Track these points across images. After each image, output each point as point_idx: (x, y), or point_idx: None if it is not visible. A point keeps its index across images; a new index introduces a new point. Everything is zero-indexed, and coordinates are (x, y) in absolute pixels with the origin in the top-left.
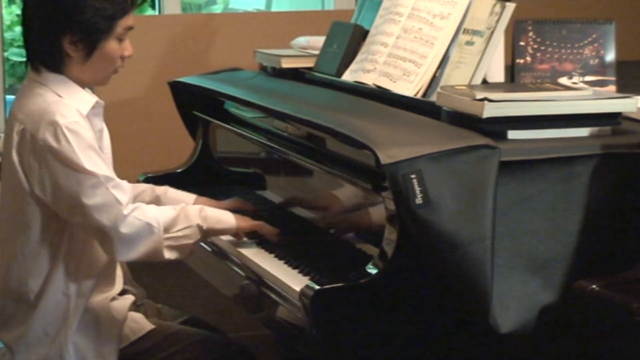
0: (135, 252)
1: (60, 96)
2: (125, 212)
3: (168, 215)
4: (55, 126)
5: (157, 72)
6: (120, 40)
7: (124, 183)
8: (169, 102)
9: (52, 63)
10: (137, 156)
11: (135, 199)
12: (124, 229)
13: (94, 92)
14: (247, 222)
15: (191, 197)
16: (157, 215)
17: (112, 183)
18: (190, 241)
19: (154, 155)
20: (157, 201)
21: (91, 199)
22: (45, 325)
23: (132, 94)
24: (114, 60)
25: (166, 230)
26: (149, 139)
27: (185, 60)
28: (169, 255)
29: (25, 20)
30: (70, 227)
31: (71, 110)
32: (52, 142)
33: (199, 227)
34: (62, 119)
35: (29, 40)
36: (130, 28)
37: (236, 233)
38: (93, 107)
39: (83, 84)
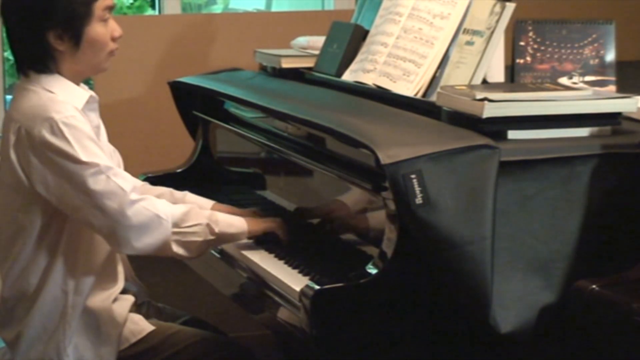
0: (142, 243)
1: (53, 93)
2: (132, 198)
3: (178, 210)
4: (51, 122)
5: (157, 72)
6: (104, 21)
7: (125, 173)
8: (169, 102)
9: (42, 64)
10: (137, 156)
11: None
12: (132, 216)
13: (94, 89)
14: (258, 225)
15: (209, 202)
16: (167, 209)
17: (112, 171)
18: (199, 239)
19: (154, 155)
20: None
21: (95, 187)
22: (44, 322)
23: (132, 94)
24: (105, 43)
25: (175, 224)
26: (149, 139)
27: (185, 60)
28: (176, 249)
29: (8, 29)
30: (70, 225)
31: (66, 106)
32: (49, 138)
33: (209, 227)
34: (58, 114)
35: (16, 47)
36: (110, 7)
37: (250, 237)
38: (87, 102)
39: (81, 77)
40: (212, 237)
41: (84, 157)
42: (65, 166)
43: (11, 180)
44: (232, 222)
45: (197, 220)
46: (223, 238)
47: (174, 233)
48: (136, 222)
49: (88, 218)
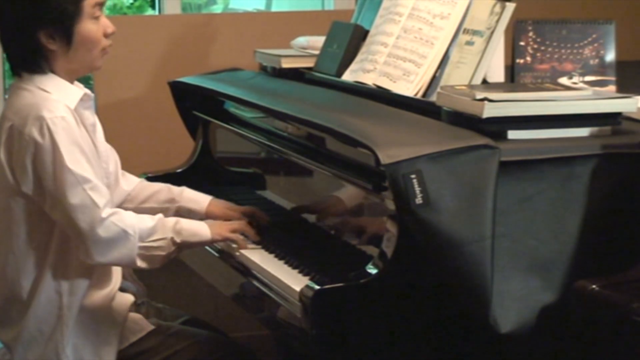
0: (108, 257)
1: (47, 92)
2: (103, 215)
3: (145, 224)
4: (41, 121)
5: (157, 72)
6: (95, 18)
7: (102, 186)
8: (169, 102)
9: (35, 65)
10: (137, 156)
11: (150, 198)
12: (101, 232)
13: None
14: (221, 233)
15: (207, 198)
16: (135, 223)
17: (89, 185)
18: (163, 253)
19: (154, 155)
20: (171, 202)
21: (69, 199)
22: (40, 324)
23: (132, 94)
24: (97, 40)
25: (141, 239)
26: (149, 139)
27: (185, 60)
28: (140, 263)
29: (1, 31)
30: (59, 225)
31: (58, 106)
32: (37, 136)
33: (173, 240)
34: (49, 113)
35: (8, 49)
36: (101, 4)
37: (213, 241)
38: (82, 100)
39: (75, 75)
40: (174, 248)
41: (68, 161)
42: (47, 166)
43: (0, 179)
44: (195, 230)
45: (163, 234)
46: (185, 247)
47: (140, 247)
48: (104, 238)
49: (60, 222)
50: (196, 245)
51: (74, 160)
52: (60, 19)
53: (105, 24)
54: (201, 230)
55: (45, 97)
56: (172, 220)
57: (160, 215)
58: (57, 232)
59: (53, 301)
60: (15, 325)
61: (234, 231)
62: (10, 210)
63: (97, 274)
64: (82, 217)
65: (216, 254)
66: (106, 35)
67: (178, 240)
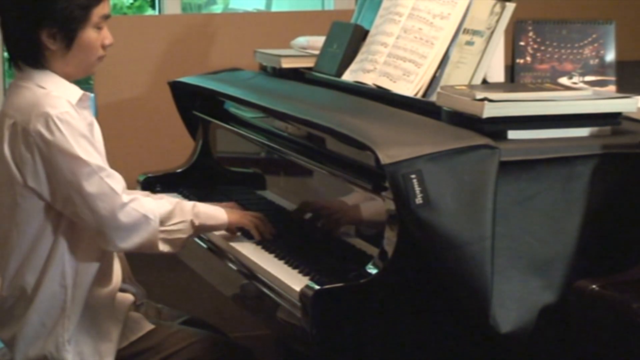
0: (130, 243)
1: (46, 89)
2: (124, 200)
3: (164, 209)
4: (46, 117)
5: (157, 72)
6: (98, 28)
7: (116, 173)
8: (169, 102)
9: (33, 59)
10: (137, 156)
11: None
12: (123, 218)
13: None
14: (237, 219)
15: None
16: (154, 208)
17: (105, 172)
18: (184, 236)
19: (154, 155)
20: None
21: (87, 188)
22: (43, 318)
23: (132, 94)
24: (95, 49)
25: (162, 223)
26: (149, 139)
27: (185, 60)
28: (162, 247)
29: (2, 19)
30: (67, 217)
31: (60, 101)
32: (45, 133)
33: (192, 222)
34: (53, 109)
35: (8, 39)
36: (106, 16)
37: (228, 228)
38: (80, 99)
39: (69, 77)
40: (192, 231)
41: (80, 153)
42: (60, 161)
43: (5, 176)
44: (212, 214)
45: (182, 217)
46: (202, 230)
47: (161, 231)
48: (126, 223)
49: (78, 214)
50: (213, 229)
51: (86, 151)
52: (66, 22)
53: (105, 35)
54: (218, 214)
55: (46, 93)
56: (189, 203)
57: (177, 200)
58: (64, 225)
59: (57, 295)
60: (17, 322)
61: (251, 220)
62: (16, 206)
63: (100, 270)
64: (102, 205)
65: (216, 255)
66: (103, 47)
67: (197, 222)
